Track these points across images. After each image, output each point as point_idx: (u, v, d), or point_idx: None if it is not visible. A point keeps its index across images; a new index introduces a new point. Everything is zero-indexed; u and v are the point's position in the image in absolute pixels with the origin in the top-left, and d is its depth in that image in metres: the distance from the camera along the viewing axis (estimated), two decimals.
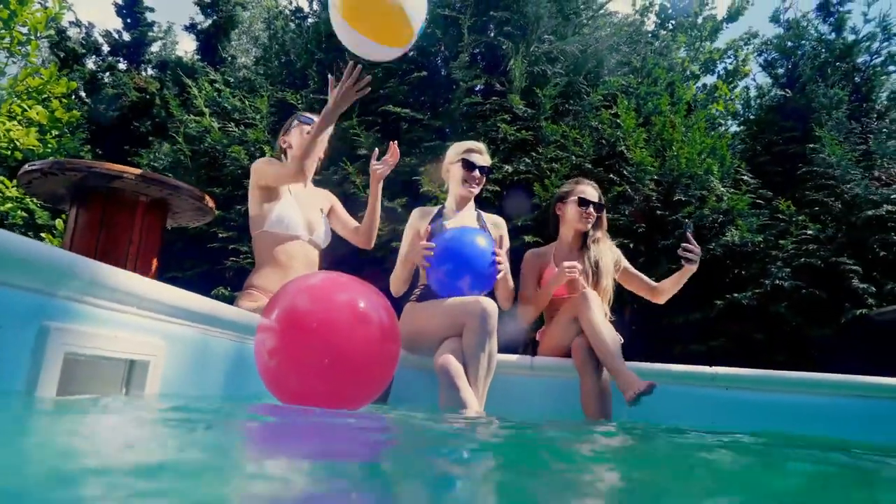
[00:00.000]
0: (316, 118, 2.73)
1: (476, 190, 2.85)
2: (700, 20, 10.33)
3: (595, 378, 2.48)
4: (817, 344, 4.52)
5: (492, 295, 2.66)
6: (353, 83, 2.28)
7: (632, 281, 2.99)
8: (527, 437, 1.60)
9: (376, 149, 2.89)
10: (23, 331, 1.16)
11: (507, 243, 2.88)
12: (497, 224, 2.95)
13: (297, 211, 2.63)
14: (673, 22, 10.10)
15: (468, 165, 2.81)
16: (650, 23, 8.65)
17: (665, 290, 2.91)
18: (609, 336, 2.46)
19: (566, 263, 2.71)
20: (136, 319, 1.43)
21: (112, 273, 1.31)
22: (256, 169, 2.60)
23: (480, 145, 2.92)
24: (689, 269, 2.78)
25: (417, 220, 2.91)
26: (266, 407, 1.68)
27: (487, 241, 2.60)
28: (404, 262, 2.77)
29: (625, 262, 2.98)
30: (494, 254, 2.56)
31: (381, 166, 2.79)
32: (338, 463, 0.87)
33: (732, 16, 10.79)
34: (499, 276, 2.59)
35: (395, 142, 2.84)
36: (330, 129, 2.44)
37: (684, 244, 2.73)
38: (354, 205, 4.53)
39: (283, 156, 2.82)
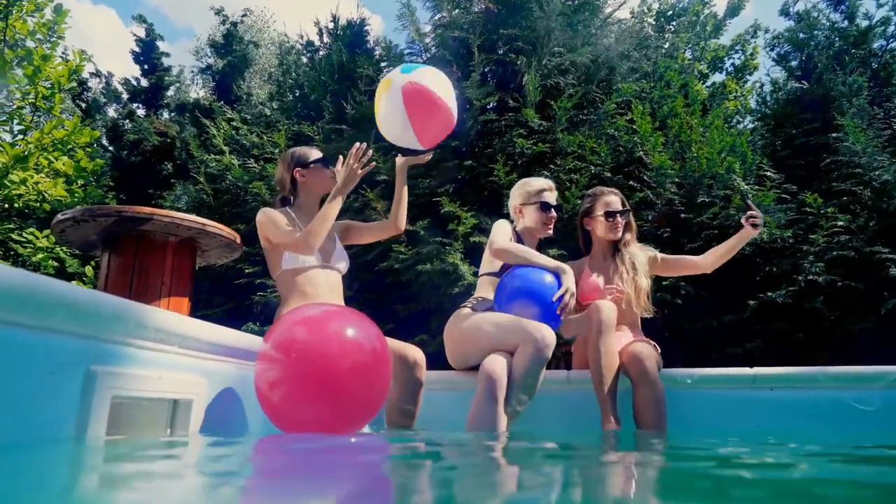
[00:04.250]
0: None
1: (551, 230, 2.83)
2: (702, 18, 10.33)
3: (650, 386, 2.42)
4: (859, 338, 4.40)
5: None
6: (358, 162, 2.41)
7: (674, 266, 2.96)
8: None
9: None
10: (71, 376, 1.18)
11: None
12: None
13: None
14: (674, 23, 10.11)
15: (546, 207, 2.79)
16: (649, 27, 8.64)
17: (718, 256, 2.82)
18: (607, 363, 2.42)
19: (608, 287, 2.70)
20: (178, 359, 1.45)
21: (155, 314, 1.33)
22: (261, 223, 2.46)
23: (550, 182, 2.89)
24: (751, 234, 2.74)
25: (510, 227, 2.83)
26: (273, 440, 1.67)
27: (554, 281, 2.55)
28: (535, 261, 2.62)
29: (660, 254, 2.95)
30: (560, 298, 2.48)
31: (405, 158, 2.75)
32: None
33: (733, 10, 10.77)
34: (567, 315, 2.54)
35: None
36: (339, 206, 2.44)
37: (749, 213, 2.70)
38: None
39: (291, 187, 2.68)
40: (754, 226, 2.71)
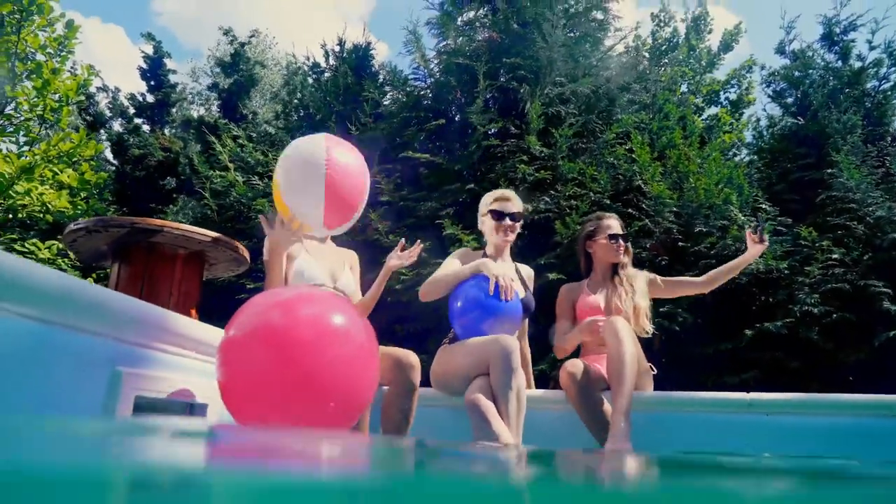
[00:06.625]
0: None
1: (510, 237, 2.87)
2: (696, 52, 10.54)
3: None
4: (852, 369, 4.46)
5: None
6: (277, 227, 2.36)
7: (677, 287, 3.06)
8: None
9: (402, 240, 2.80)
10: (98, 375, 1.22)
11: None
12: (530, 276, 3.01)
13: (314, 264, 2.62)
14: (668, 58, 10.30)
15: (497, 216, 2.85)
16: (645, 61, 8.82)
17: (718, 278, 2.93)
18: (629, 377, 2.45)
19: (589, 319, 2.73)
20: (196, 364, 1.49)
21: (178, 320, 1.38)
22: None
23: (508, 192, 2.94)
24: (752, 258, 2.87)
25: (463, 256, 2.93)
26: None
27: (482, 281, 2.63)
28: (457, 274, 2.70)
29: (659, 277, 3.02)
30: (497, 287, 2.54)
31: (398, 260, 2.73)
32: None
33: (726, 46, 10.97)
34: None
35: (421, 245, 2.79)
36: (279, 269, 2.41)
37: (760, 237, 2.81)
38: (376, 251, 4.62)
39: None
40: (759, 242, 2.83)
